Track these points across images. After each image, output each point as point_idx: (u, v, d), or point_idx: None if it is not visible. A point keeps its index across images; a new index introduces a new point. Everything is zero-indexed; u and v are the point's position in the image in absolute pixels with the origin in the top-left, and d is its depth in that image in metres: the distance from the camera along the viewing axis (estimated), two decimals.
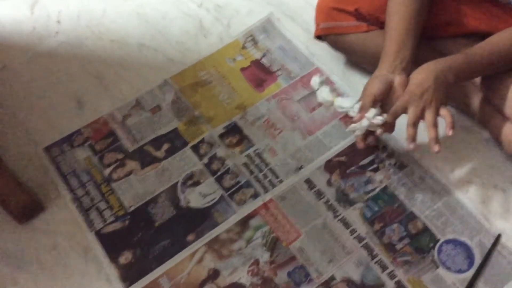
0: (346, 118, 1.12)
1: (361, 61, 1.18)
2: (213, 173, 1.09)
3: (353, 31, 1.11)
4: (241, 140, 1.13)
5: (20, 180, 1.08)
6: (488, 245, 0.94)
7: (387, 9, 1.01)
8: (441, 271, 0.93)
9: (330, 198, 1.03)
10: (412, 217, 0.99)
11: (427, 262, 0.94)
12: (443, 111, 0.90)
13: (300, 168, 1.07)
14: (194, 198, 1.06)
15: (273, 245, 0.98)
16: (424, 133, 0.92)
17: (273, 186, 1.06)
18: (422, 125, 0.92)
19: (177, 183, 1.08)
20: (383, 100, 0.96)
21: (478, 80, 1.04)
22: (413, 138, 0.92)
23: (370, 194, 1.03)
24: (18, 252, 1.01)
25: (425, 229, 0.97)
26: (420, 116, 0.91)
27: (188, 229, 1.01)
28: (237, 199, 1.05)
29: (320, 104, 1.13)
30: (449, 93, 0.92)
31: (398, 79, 0.95)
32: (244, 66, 1.26)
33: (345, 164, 1.07)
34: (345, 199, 1.02)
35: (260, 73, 1.24)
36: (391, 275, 0.93)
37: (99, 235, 1.02)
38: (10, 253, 1.01)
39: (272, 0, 1.38)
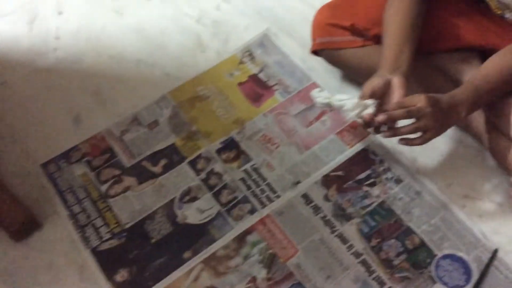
0: (343, 132, 1.13)
1: (357, 75, 1.19)
2: (211, 188, 1.09)
3: (349, 46, 1.11)
4: (238, 155, 1.13)
5: (17, 196, 1.08)
6: (485, 260, 0.94)
7: (383, 19, 1.02)
8: (438, 286, 0.92)
9: (327, 213, 1.03)
10: (409, 232, 0.99)
11: (424, 278, 0.94)
12: None
13: (297, 183, 1.07)
14: (191, 214, 1.05)
15: (270, 261, 0.98)
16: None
17: (271, 201, 1.06)
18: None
19: (174, 199, 1.08)
20: (381, 97, 0.95)
21: None
22: (380, 131, 0.94)
23: (367, 209, 1.02)
24: (14, 270, 1.01)
25: (422, 245, 0.97)
26: (412, 132, 0.91)
27: (185, 245, 1.01)
28: (234, 215, 1.05)
29: (317, 119, 1.14)
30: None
31: (397, 79, 0.94)
32: (242, 81, 1.26)
33: (342, 178, 1.07)
34: (342, 214, 1.02)
35: (257, 88, 1.24)
36: None
37: (95, 252, 1.02)
38: (5, 271, 1.01)
39: (269, 16, 1.39)
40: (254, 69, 1.28)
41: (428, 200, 1.02)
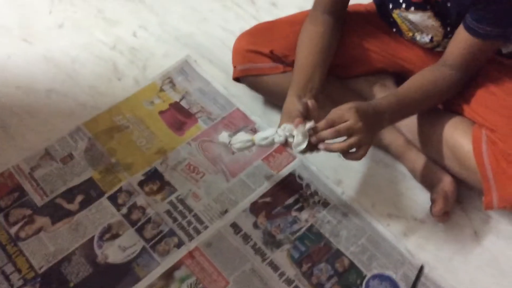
0: (269, 158, 1.12)
1: (279, 101, 1.18)
2: (133, 223, 1.03)
3: (270, 73, 1.12)
4: (162, 187, 1.08)
5: None
6: (412, 277, 0.96)
7: (297, 45, 1.03)
8: None
9: (257, 241, 1.01)
10: (338, 254, 0.99)
11: None
12: None
13: (225, 212, 1.05)
14: (113, 253, 0.99)
15: None
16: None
17: (198, 232, 1.02)
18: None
19: (93, 237, 1.00)
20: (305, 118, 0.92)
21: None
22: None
23: (297, 234, 1.01)
24: None
25: (352, 266, 0.98)
26: (346, 149, 0.89)
27: (108, 287, 0.94)
28: (160, 250, 0.99)
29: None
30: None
31: (311, 103, 0.92)
32: (163, 109, 1.22)
33: (271, 205, 1.06)
34: (272, 242, 1.01)
35: (179, 116, 1.21)
36: None
37: None
38: None
39: (188, 42, 1.37)
40: (175, 97, 1.24)
41: (354, 221, 1.03)
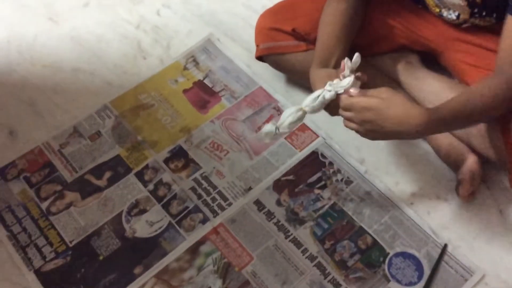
0: (292, 136, 1.12)
1: (302, 79, 1.19)
2: (160, 199, 1.05)
3: (293, 51, 1.11)
4: (187, 164, 1.10)
5: None
6: (436, 255, 0.96)
7: (320, 21, 1.02)
8: (392, 284, 0.94)
9: (280, 218, 1.02)
10: (361, 232, 1.00)
11: (378, 277, 0.95)
12: None
13: (249, 189, 1.06)
14: (141, 227, 1.01)
15: (225, 271, 0.96)
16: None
17: (222, 209, 1.03)
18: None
19: (121, 212, 1.03)
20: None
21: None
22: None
23: (319, 212, 1.03)
24: None
25: (375, 244, 0.98)
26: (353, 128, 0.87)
27: (135, 260, 0.97)
28: (185, 226, 1.02)
29: (265, 123, 1.11)
30: None
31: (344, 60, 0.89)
32: (187, 87, 1.23)
33: (293, 182, 1.07)
34: (295, 219, 1.02)
35: (203, 94, 1.22)
36: None
37: (39, 274, 0.96)
38: None
39: (211, 21, 1.37)
40: (199, 75, 1.25)
41: (378, 199, 1.04)
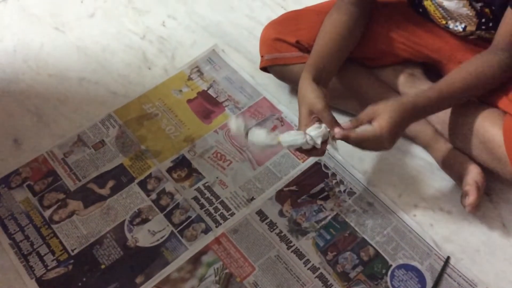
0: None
1: None
2: (162, 209, 1.05)
3: (297, 62, 1.12)
4: (190, 174, 1.10)
5: None
6: (438, 268, 0.96)
7: (319, 30, 1.03)
8: None
9: (283, 229, 1.02)
10: (363, 244, 1.00)
11: None
12: None
13: (251, 199, 1.06)
14: (143, 237, 1.01)
15: (226, 281, 0.96)
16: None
17: (225, 219, 1.03)
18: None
19: (124, 221, 1.03)
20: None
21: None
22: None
23: (322, 223, 1.02)
24: None
25: (377, 255, 0.98)
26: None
27: (137, 270, 0.97)
28: (188, 235, 1.02)
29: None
30: None
31: (325, 92, 0.91)
32: (191, 97, 1.24)
33: (296, 193, 1.07)
34: (297, 229, 1.02)
35: (207, 105, 1.23)
36: None
37: (41, 282, 0.96)
38: None
39: (216, 32, 1.38)
40: (203, 86, 1.26)
41: (380, 211, 1.04)
